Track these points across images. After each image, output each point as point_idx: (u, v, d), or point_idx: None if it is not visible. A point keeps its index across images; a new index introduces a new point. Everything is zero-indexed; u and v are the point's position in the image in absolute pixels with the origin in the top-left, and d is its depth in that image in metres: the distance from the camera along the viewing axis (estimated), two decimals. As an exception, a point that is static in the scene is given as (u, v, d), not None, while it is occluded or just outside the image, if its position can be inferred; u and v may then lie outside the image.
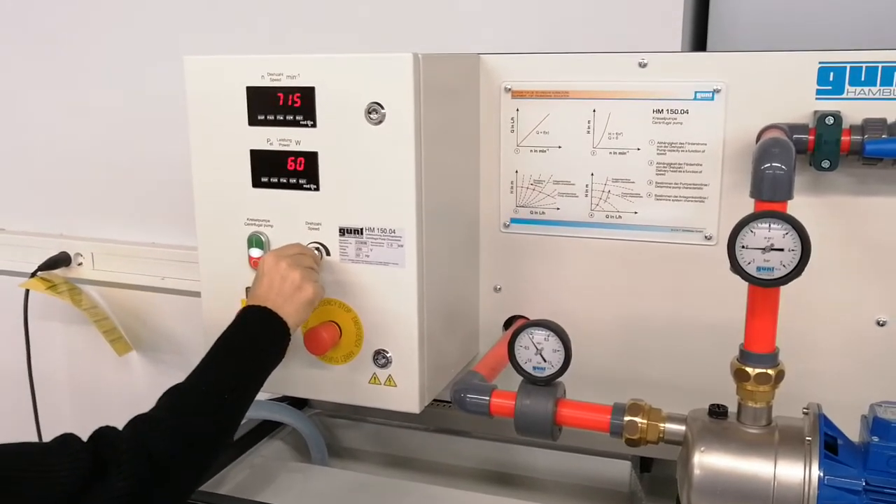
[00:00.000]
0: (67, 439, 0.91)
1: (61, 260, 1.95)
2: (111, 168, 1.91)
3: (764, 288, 0.97)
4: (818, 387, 1.21)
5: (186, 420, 0.99)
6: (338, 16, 1.65)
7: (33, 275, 1.93)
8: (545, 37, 1.51)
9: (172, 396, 1.02)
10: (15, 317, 1.92)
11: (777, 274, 0.94)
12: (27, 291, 1.92)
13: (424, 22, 1.59)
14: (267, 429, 1.52)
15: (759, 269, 0.95)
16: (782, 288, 0.97)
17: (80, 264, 1.96)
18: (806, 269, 0.94)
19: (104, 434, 0.94)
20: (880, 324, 1.25)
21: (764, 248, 0.94)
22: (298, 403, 1.58)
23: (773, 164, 0.97)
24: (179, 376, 1.05)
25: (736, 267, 0.96)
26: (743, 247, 0.95)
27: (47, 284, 1.93)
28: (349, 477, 1.46)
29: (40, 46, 1.91)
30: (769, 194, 0.97)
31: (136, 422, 0.97)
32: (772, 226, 0.94)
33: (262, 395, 1.46)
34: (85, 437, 0.93)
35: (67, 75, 1.90)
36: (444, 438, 1.56)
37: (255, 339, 1.11)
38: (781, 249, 0.94)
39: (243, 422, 1.47)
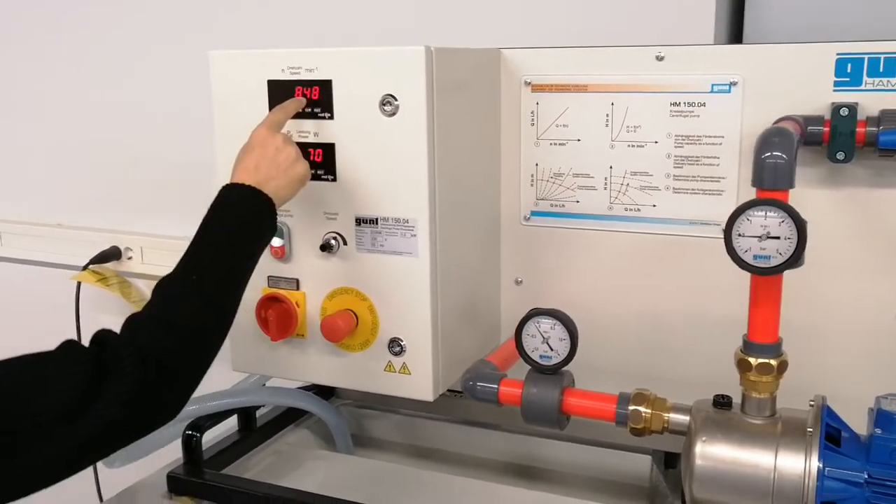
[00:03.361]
0: (70, 346, 0.91)
1: (112, 254, 2.03)
2: (160, 165, 1.97)
3: (763, 276, 0.97)
4: (833, 380, 1.18)
5: (181, 312, 0.96)
6: (363, 12, 1.69)
7: (85, 268, 2.00)
8: (571, 32, 1.52)
9: (164, 289, 0.98)
10: (67, 308, 1.99)
11: (773, 262, 0.94)
12: (79, 284, 1.99)
13: (450, 18, 1.62)
14: (292, 417, 1.55)
15: (755, 257, 0.94)
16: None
17: (129, 258, 2.03)
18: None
19: (103, 338, 0.93)
20: (897, 317, 1.22)
21: (760, 237, 0.94)
22: (325, 393, 1.60)
23: (774, 153, 0.96)
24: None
25: (733, 254, 0.95)
26: (740, 234, 0.95)
27: (98, 277, 2.00)
28: (372, 465, 1.48)
29: (93, 46, 1.99)
30: (770, 183, 0.97)
31: (132, 321, 0.95)
32: (768, 214, 0.93)
33: (288, 383, 1.50)
34: None
35: (120, 76, 1.98)
36: (468, 430, 1.57)
37: (241, 218, 1.07)
38: (778, 237, 0.93)
39: (269, 409, 1.52)
